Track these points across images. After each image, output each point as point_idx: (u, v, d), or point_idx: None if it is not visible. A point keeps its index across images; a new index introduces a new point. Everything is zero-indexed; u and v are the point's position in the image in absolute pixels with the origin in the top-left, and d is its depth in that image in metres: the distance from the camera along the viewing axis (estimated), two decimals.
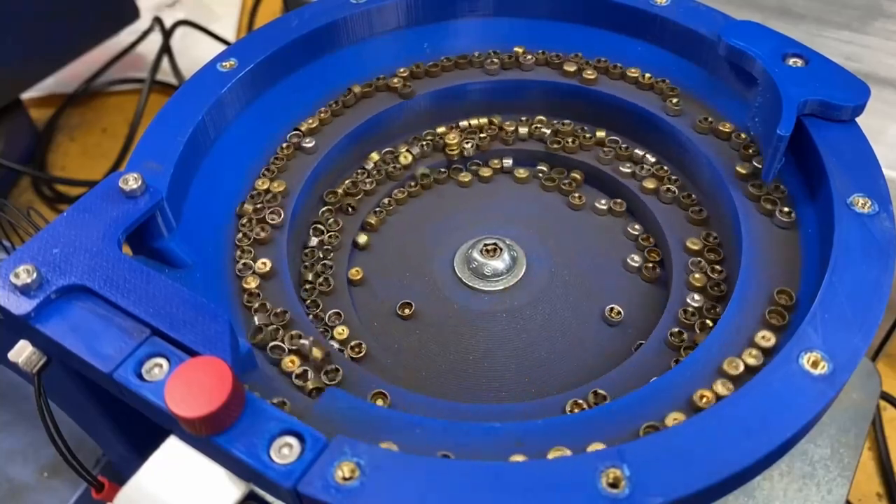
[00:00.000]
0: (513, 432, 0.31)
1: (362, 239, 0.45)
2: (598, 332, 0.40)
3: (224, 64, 0.44)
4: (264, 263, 0.39)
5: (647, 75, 0.46)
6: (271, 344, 0.36)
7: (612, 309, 0.40)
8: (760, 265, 0.37)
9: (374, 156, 0.48)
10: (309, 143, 0.45)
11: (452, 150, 0.48)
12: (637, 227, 0.45)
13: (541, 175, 0.48)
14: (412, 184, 0.48)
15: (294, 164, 0.45)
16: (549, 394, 0.37)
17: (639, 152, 0.46)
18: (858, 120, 0.39)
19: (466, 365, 0.39)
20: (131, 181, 0.36)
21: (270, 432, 0.28)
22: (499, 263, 0.42)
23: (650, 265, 0.42)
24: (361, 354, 0.38)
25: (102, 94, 1.00)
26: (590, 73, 0.47)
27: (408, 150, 0.48)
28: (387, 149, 0.48)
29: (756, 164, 0.41)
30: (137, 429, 0.40)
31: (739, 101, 0.44)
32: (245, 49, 0.45)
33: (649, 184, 0.45)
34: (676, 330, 0.37)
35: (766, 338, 0.33)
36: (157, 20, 1.00)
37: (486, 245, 0.43)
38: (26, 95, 0.91)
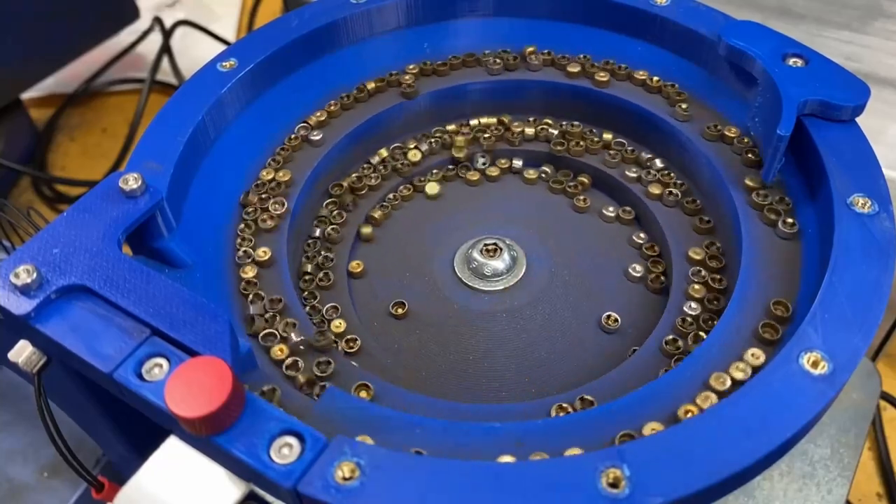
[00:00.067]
0: (513, 432, 0.31)
1: (365, 230, 0.45)
2: (596, 336, 0.40)
3: (224, 64, 0.44)
4: (264, 252, 0.40)
5: (655, 78, 0.46)
6: (264, 332, 0.36)
7: (608, 316, 0.40)
8: (758, 277, 0.36)
9: (383, 151, 0.48)
10: (316, 136, 0.45)
11: (459, 150, 0.48)
12: (642, 235, 0.44)
13: (544, 175, 0.48)
14: (420, 179, 0.48)
15: (300, 156, 0.45)
16: (548, 394, 0.37)
17: (645, 156, 0.46)
18: (858, 120, 0.39)
19: (466, 365, 0.39)
20: (131, 181, 0.36)
21: (270, 432, 0.28)
22: (499, 263, 0.42)
23: (654, 275, 0.42)
24: (355, 349, 0.38)
25: (102, 94, 1.00)
26: (602, 76, 0.47)
27: (416, 147, 0.48)
28: (395, 144, 0.48)
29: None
30: (137, 429, 0.40)
31: (739, 101, 0.44)
32: (245, 49, 0.45)
33: (654, 189, 0.44)
34: (671, 338, 0.37)
35: (756, 355, 0.33)
36: (157, 20, 1.00)
37: (486, 245, 0.43)
38: (26, 95, 0.91)
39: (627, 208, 0.45)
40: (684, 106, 0.45)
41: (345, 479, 0.27)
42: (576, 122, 0.48)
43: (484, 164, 0.48)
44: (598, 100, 0.47)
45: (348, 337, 0.39)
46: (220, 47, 0.95)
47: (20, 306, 0.31)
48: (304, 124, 0.46)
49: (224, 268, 0.39)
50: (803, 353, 0.30)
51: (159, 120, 0.41)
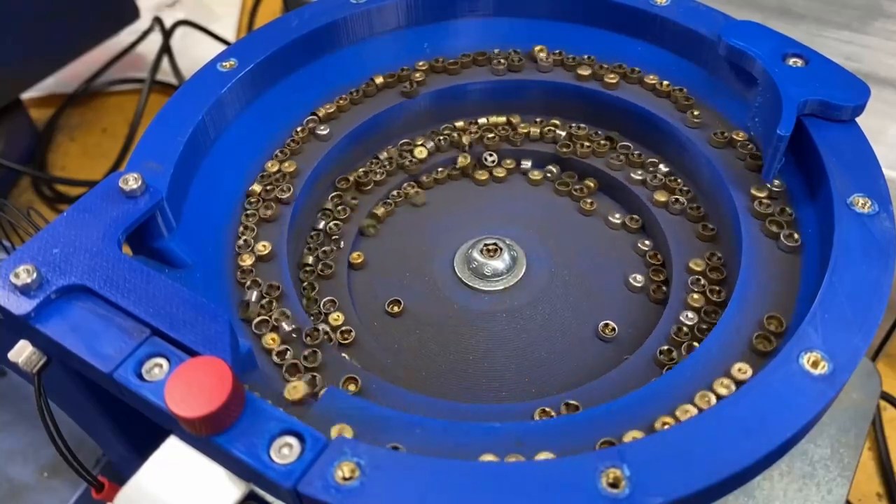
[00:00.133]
0: (513, 432, 0.31)
1: (368, 226, 0.45)
2: (592, 344, 0.40)
3: (224, 64, 0.44)
4: (264, 246, 0.40)
5: (665, 83, 0.46)
6: (257, 319, 0.37)
7: (606, 325, 0.40)
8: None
9: (391, 147, 0.48)
10: (323, 131, 0.46)
11: (465, 160, 0.48)
12: (647, 242, 0.44)
13: (549, 176, 0.48)
14: (425, 178, 0.48)
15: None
16: (548, 394, 0.37)
17: (650, 159, 0.46)
18: (858, 120, 0.39)
19: (466, 365, 0.39)
20: (131, 181, 0.36)
21: (270, 432, 0.28)
22: (499, 263, 0.42)
23: (655, 285, 0.41)
24: (349, 341, 0.39)
25: (102, 94, 1.00)
26: (611, 78, 0.46)
27: (423, 145, 0.48)
28: (404, 140, 0.49)
29: (770, 186, 0.40)
30: (137, 429, 0.40)
31: (739, 101, 0.44)
32: (245, 49, 0.45)
33: (660, 196, 0.44)
34: (666, 348, 0.37)
35: (742, 370, 0.32)
36: (157, 20, 1.00)
37: (486, 245, 0.43)
38: (26, 95, 0.91)
39: (635, 216, 0.45)
40: (696, 113, 0.44)
41: (345, 479, 0.27)
42: (582, 125, 0.48)
43: (492, 162, 0.48)
44: (598, 100, 0.47)
45: (343, 329, 0.39)
46: (220, 47, 0.95)
47: (20, 306, 0.31)
48: (313, 117, 0.46)
49: (224, 268, 0.39)
50: (803, 353, 0.30)
51: (159, 120, 0.41)
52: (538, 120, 0.49)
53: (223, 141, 0.44)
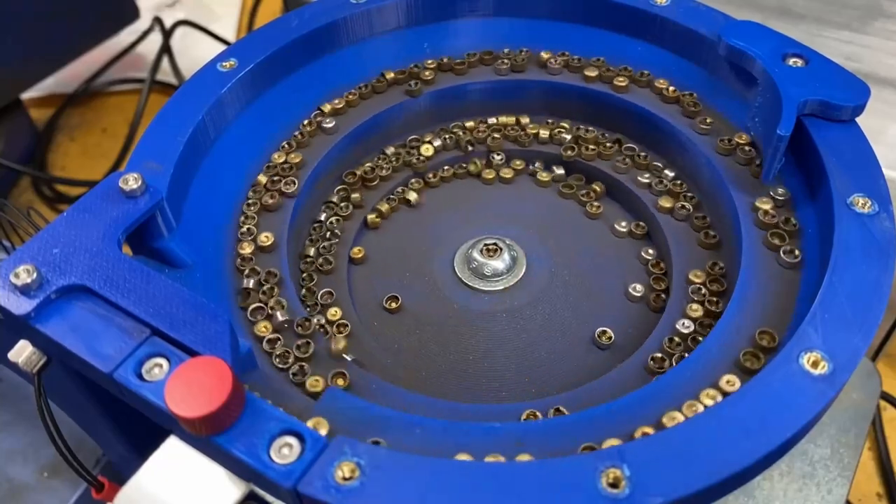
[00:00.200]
0: (513, 432, 0.31)
1: (371, 220, 0.46)
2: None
3: (224, 64, 0.44)
4: (267, 237, 0.40)
5: (672, 88, 0.45)
6: (252, 306, 0.37)
7: (603, 332, 0.39)
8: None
9: (398, 143, 0.49)
10: (330, 124, 0.46)
11: (476, 161, 0.48)
12: (651, 251, 0.43)
13: (549, 175, 0.48)
14: (431, 175, 0.48)
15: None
16: (548, 394, 0.37)
17: (657, 164, 0.46)
18: (858, 120, 0.39)
19: (466, 365, 0.39)
20: (131, 181, 0.36)
21: (270, 432, 0.28)
22: (499, 263, 0.42)
23: (655, 293, 0.41)
24: (345, 335, 0.39)
25: (102, 94, 1.00)
26: (620, 81, 0.46)
27: (430, 142, 0.48)
28: (413, 137, 0.49)
29: (775, 195, 0.40)
30: (137, 429, 0.40)
31: (739, 101, 0.44)
32: (245, 49, 0.45)
33: (666, 202, 0.43)
34: (659, 356, 0.36)
35: (731, 382, 0.32)
36: (157, 20, 1.00)
37: (486, 245, 0.43)
38: (26, 95, 0.91)
39: (641, 223, 0.44)
40: (709, 120, 0.44)
41: (345, 479, 0.27)
42: (591, 128, 0.48)
43: (501, 160, 0.48)
44: (601, 101, 0.47)
45: (339, 322, 0.39)
46: (220, 47, 0.95)
47: (20, 306, 0.31)
48: (320, 111, 0.47)
49: (224, 268, 0.39)
50: (803, 353, 0.30)
51: (159, 120, 0.41)
52: (549, 121, 0.49)
53: (223, 141, 0.44)
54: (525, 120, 0.49)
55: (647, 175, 0.45)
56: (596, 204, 0.46)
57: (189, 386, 0.27)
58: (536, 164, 0.48)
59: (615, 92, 0.47)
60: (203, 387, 0.27)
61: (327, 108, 0.47)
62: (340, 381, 0.35)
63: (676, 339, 0.37)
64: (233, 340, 0.31)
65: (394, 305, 0.42)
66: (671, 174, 0.45)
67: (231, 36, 1.03)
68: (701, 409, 0.31)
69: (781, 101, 0.38)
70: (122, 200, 0.36)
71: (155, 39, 0.99)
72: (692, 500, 0.27)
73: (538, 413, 0.33)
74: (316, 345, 0.36)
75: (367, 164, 0.47)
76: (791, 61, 0.40)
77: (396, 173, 0.48)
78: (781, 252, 0.37)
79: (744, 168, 0.41)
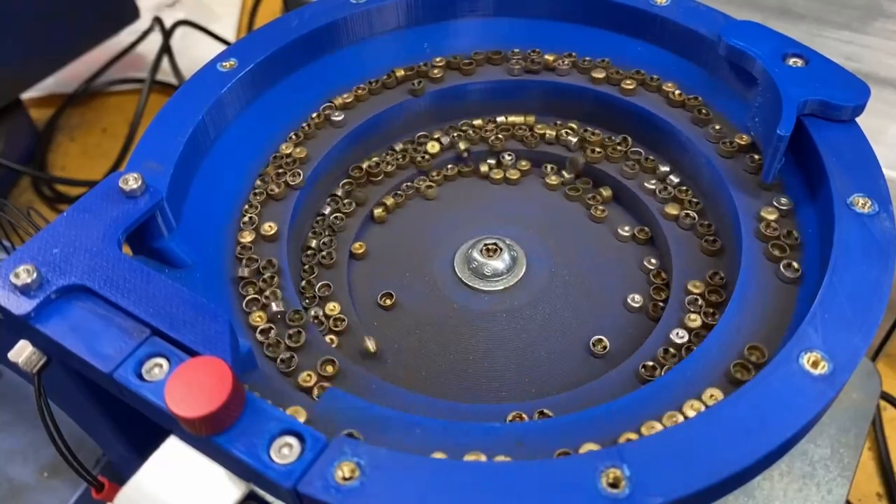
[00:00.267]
0: (513, 432, 0.31)
1: (377, 214, 0.46)
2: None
3: (224, 64, 0.44)
4: (270, 227, 0.41)
5: (678, 91, 0.45)
6: (248, 297, 0.37)
7: (599, 341, 0.39)
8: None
9: (406, 140, 0.49)
10: (338, 118, 0.46)
11: (491, 169, 0.48)
12: (653, 261, 0.43)
13: (559, 179, 0.47)
14: (435, 173, 0.48)
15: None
16: (549, 394, 0.37)
17: (664, 169, 0.45)
18: (858, 120, 0.39)
19: (466, 365, 0.39)
20: (131, 181, 0.36)
21: (270, 432, 0.28)
22: (499, 263, 0.42)
23: (654, 303, 0.41)
24: (341, 329, 0.39)
25: (102, 94, 1.00)
26: (628, 84, 0.46)
27: (438, 139, 0.48)
28: (421, 133, 0.49)
29: (778, 205, 0.39)
30: (137, 429, 0.40)
31: (739, 101, 0.44)
32: (245, 49, 0.45)
33: (671, 209, 0.43)
34: (651, 364, 0.36)
35: (714, 396, 0.32)
36: (157, 20, 1.00)
37: (486, 245, 0.43)
38: (26, 95, 0.91)
39: (644, 228, 0.44)
40: (717, 127, 0.43)
41: (345, 479, 0.27)
42: (597, 131, 0.47)
43: (510, 160, 0.48)
44: (600, 101, 0.47)
45: (336, 317, 0.39)
46: (220, 47, 0.95)
47: (20, 306, 0.31)
48: (330, 104, 0.47)
49: (224, 268, 0.39)
50: (803, 353, 0.30)
51: (159, 120, 0.41)
52: (557, 122, 0.49)
53: (223, 141, 0.44)
54: (531, 120, 0.49)
55: (653, 181, 0.45)
56: (601, 208, 0.45)
57: (189, 386, 0.27)
58: (547, 167, 0.48)
59: (621, 94, 0.46)
60: (203, 387, 0.27)
61: (338, 101, 0.47)
62: (330, 369, 0.35)
63: (671, 349, 0.36)
64: (233, 340, 0.31)
65: (388, 302, 0.42)
66: (676, 179, 0.45)
67: (231, 36, 1.03)
68: (681, 419, 0.31)
69: (781, 101, 0.38)
70: (122, 200, 0.36)
71: (155, 39, 1.00)
72: (692, 500, 0.27)
73: (524, 415, 0.33)
74: (307, 335, 0.36)
75: (374, 159, 0.48)
76: (791, 61, 0.40)
77: (402, 170, 0.48)
78: (781, 266, 0.36)
79: (752, 176, 0.41)
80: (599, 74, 0.47)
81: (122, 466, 0.46)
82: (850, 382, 0.32)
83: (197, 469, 0.29)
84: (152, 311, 0.31)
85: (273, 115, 0.46)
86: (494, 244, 0.43)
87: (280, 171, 0.44)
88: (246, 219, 0.41)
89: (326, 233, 0.44)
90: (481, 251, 0.43)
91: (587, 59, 0.48)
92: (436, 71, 0.48)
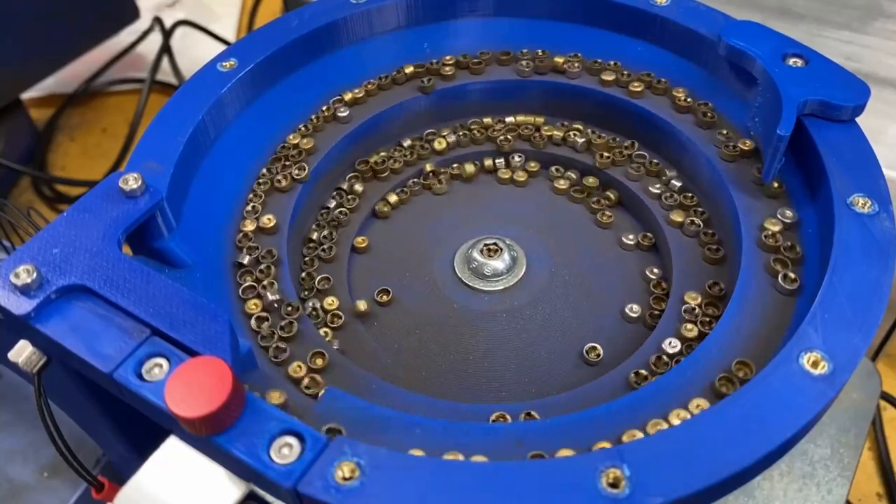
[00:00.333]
0: (513, 432, 0.31)
1: (381, 210, 0.46)
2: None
3: (224, 64, 0.44)
4: (269, 219, 0.41)
5: (689, 98, 0.45)
6: (245, 284, 0.38)
7: (592, 349, 0.39)
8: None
9: (414, 136, 0.49)
10: (343, 112, 0.47)
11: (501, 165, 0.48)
12: (656, 271, 0.42)
13: (567, 183, 0.47)
14: (443, 170, 0.48)
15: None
16: (548, 394, 0.37)
17: (671, 173, 0.45)
18: (858, 120, 0.39)
19: (466, 365, 0.39)
20: (131, 181, 0.36)
21: (270, 432, 0.28)
22: (499, 263, 0.42)
23: (652, 312, 0.40)
24: (338, 325, 0.39)
25: (102, 94, 1.00)
26: (636, 86, 0.46)
27: (444, 137, 0.48)
28: (429, 131, 0.49)
29: (782, 217, 0.39)
30: (137, 429, 0.40)
31: (739, 101, 0.44)
32: (245, 49, 0.45)
33: (677, 216, 0.42)
34: (643, 372, 0.35)
35: (700, 405, 0.31)
36: (157, 20, 1.00)
37: (486, 245, 0.43)
38: (26, 95, 0.91)
39: (648, 234, 0.44)
40: (725, 132, 0.43)
41: (345, 479, 0.27)
42: (603, 134, 0.47)
43: (520, 160, 0.48)
44: (602, 101, 0.47)
45: (334, 312, 0.40)
46: (220, 47, 0.95)
47: (20, 306, 0.31)
48: (339, 98, 0.47)
49: (224, 268, 0.39)
50: (803, 353, 0.30)
51: (159, 120, 0.41)
52: (564, 123, 0.48)
53: (223, 141, 0.44)
54: (541, 120, 0.49)
55: (657, 185, 0.44)
56: (608, 213, 0.45)
57: (189, 386, 0.27)
58: (554, 170, 0.48)
59: (628, 96, 0.46)
60: (203, 387, 0.27)
61: (348, 96, 0.47)
62: (319, 361, 0.35)
63: (664, 357, 0.36)
64: (233, 340, 0.31)
65: (385, 299, 0.42)
66: (679, 184, 0.44)
67: (231, 36, 1.03)
68: (665, 426, 0.30)
69: (781, 101, 0.38)
70: (122, 200, 0.36)
71: (155, 39, 0.99)
72: (692, 500, 0.27)
73: (508, 416, 0.33)
74: (300, 325, 0.37)
75: (382, 154, 0.48)
76: (791, 61, 0.40)
77: (409, 167, 0.48)
78: (780, 278, 0.36)
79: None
80: (609, 77, 0.47)
81: (122, 466, 0.46)
82: (850, 382, 0.32)
83: (197, 469, 0.29)
84: (152, 311, 0.31)
85: (273, 115, 0.46)
86: (494, 244, 0.43)
87: (287, 163, 0.44)
88: (249, 207, 0.42)
89: (329, 226, 0.45)
90: (481, 251, 0.43)
91: (598, 60, 0.48)
92: (447, 69, 0.48)
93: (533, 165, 0.48)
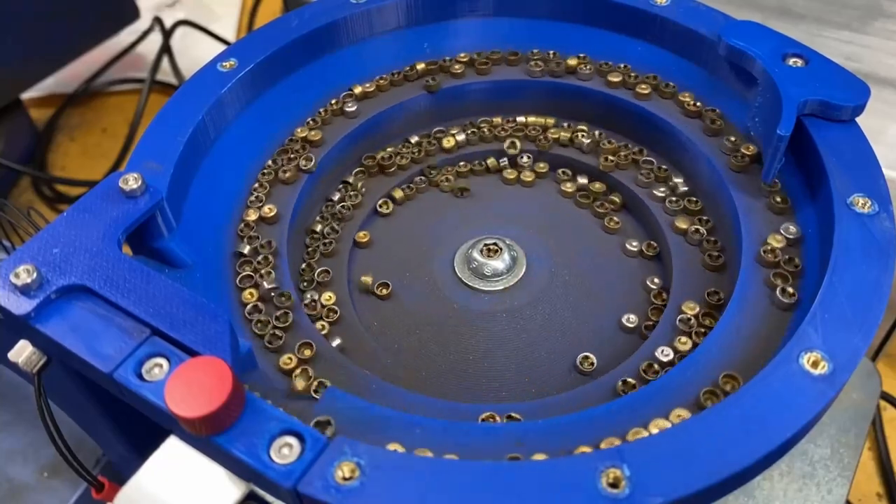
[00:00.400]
0: (513, 432, 0.31)
1: (382, 208, 0.46)
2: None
3: (224, 64, 0.44)
4: (270, 209, 0.42)
5: (698, 103, 0.44)
6: (242, 273, 0.38)
7: (585, 358, 0.38)
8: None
9: (422, 133, 0.49)
10: (351, 108, 0.47)
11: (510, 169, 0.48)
12: (657, 281, 0.42)
13: (573, 186, 0.47)
14: (449, 168, 0.48)
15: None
16: (548, 394, 0.37)
17: (676, 178, 0.44)
18: (858, 120, 0.39)
19: (466, 365, 0.39)
20: (131, 181, 0.36)
21: (270, 432, 0.28)
22: (499, 263, 0.42)
23: (650, 322, 0.40)
24: (334, 319, 0.40)
25: (102, 94, 1.00)
26: (643, 88, 0.45)
27: (453, 135, 0.48)
28: (438, 128, 0.49)
29: (786, 233, 0.38)
30: (137, 429, 0.40)
31: (739, 101, 0.44)
32: (245, 49, 0.45)
33: (682, 223, 0.42)
34: (631, 381, 0.35)
35: (680, 415, 0.31)
36: (157, 20, 1.00)
37: (486, 245, 0.43)
38: (26, 95, 0.91)
39: (653, 243, 0.43)
40: (733, 139, 0.42)
41: (345, 479, 0.27)
42: (612, 139, 0.47)
43: (528, 161, 0.48)
44: (606, 103, 0.47)
45: (330, 307, 0.40)
46: (220, 47, 0.95)
47: (20, 306, 0.31)
48: (349, 92, 0.48)
49: (224, 268, 0.39)
50: (803, 353, 0.30)
51: (159, 120, 0.41)
52: (566, 125, 0.48)
53: (223, 141, 0.44)
54: (551, 121, 0.49)
55: (663, 189, 0.44)
56: (616, 219, 0.45)
57: (189, 386, 0.27)
58: (563, 172, 0.48)
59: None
60: (203, 387, 0.27)
61: (357, 90, 0.48)
62: (308, 352, 0.36)
63: (656, 366, 0.36)
64: (233, 340, 0.31)
65: (385, 292, 0.42)
66: (685, 189, 0.44)
67: (231, 36, 1.03)
68: (619, 442, 0.30)
69: (781, 101, 0.38)
70: (122, 200, 0.36)
71: (155, 39, 0.99)
72: (692, 500, 0.27)
73: (497, 416, 0.33)
74: (294, 316, 0.37)
75: (389, 150, 0.48)
76: (791, 61, 0.40)
77: (415, 163, 0.48)
78: (777, 292, 0.35)
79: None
80: (616, 78, 0.47)
81: (122, 466, 0.46)
82: (850, 382, 0.32)
83: (197, 469, 0.29)
84: (152, 311, 0.31)
85: (273, 115, 0.46)
86: (494, 244, 0.43)
87: (292, 155, 0.44)
88: (253, 197, 0.42)
89: (332, 220, 0.45)
90: (481, 251, 0.43)
91: (608, 63, 0.47)
92: (457, 67, 0.48)
93: (542, 166, 0.48)
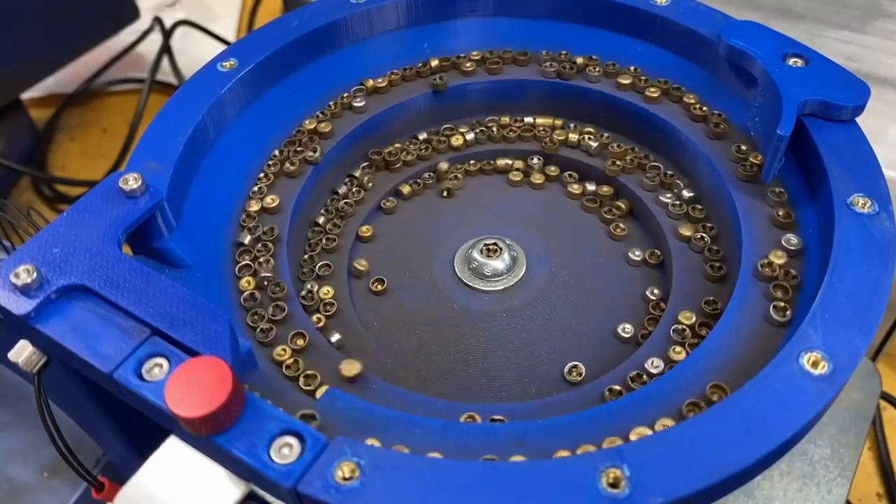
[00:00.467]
0: (513, 432, 0.31)
1: (386, 205, 0.47)
2: (592, 343, 0.39)
3: (224, 64, 0.44)
4: (273, 199, 0.42)
5: (704, 107, 0.44)
6: (241, 263, 0.39)
7: (574, 367, 0.38)
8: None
9: (431, 130, 0.49)
10: (360, 103, 0.47)
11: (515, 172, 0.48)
12: (656, 292, 0.41)
13: (580, 188, 0.47)
14: (455, 167, 0.48)
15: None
16: (548, 394, 0.37)
17: (680, 182, 0.44)
18: (858, 120, 0.39)
19: (466, 365, 0.39)
20: (131, 181, 0.36)
21: (270, 432, 0.28)
22: (499, 263, 0.42)
23: (646, 332, 0.39)
24: (331, 313, 0.40)
25: (102, 94, 1.00)
26: (652, 91, 0.45)
27: (462, 134, 0.49)
28: (447, 126, 0.49)
29: (787, 244, 0.37)
30: (137, 429, 0.40)
31: (739, 101, 0.44)
32: (245, 49, 0.45)
33: (686, 230, 0.42)
34: (617, 388, 0.35)
35: (665, 424, 0.31)
36: (157, 20, 1.00)
37: (486, 245, 0.43)
38: (26, 95, 0.91)
39: (656, 251, 0.43)
40: (743, 147, 0.42)
41: (345, 479, 0.27)
42: (619, 144, 0.47)
43: (539, 162, 0.48)
44: (610, 105, 0.47)
45: (328, 301, 0.40)
46: (220, 47, 0.95)
47: (20, 306, 0.31)
48: (361, 85, 0.48)
49: (224, 267, 0.39)
50: (803, 353, 0.30)
51: (159, 120, 0.41)
52: (573, 125, 0.48)
53: (223, 141, 0.44)
54: (559, 121, 0.49)
55: (668, 195, 0.44)
56: (622, 226, 0.44)
57: (189, 386, 0.27)
58: (569, 175, 0.47)
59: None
60: (203, 387, 0.27)
61: (369, 83, 0.48)
62: (301, 342, 0.36)
63: (645, 376, 0.35)
64: (233, 340, 0.31)
65: (379, 288, 0.42)
66: (689, 195, 0.44)
67: (231, 36, 1.03)
68: (620, 443, 0.30)
69: (781, 101, 0.38)
70: (122, 200, 0.36)
71: (155, 39, 0.99)
72: (692, 500, 0.27)
73: (477, 416, 0.33)
74: (289, 307, 0.37)
75: (397, 146, 0.48)
76: (791, 61, 0.40)
77: (422, 160, 0.48)
78: (771, 309, 0.35)
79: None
80: (626, 80, 0.46)
81: (122, 466, 0.46)
82: (850, 382, 0.32)
83: (197, 469, 0.29)
84: (152, 311, 0.31)
85: (273, 115, 0.46)
86: (494, 244, 0.43)
87: (299, 148, 0.45)
88: (256, 188, 0.43)
89: (336, 215, 0.45)
90: (481, 251, 0.43)
91: (614, 63, 0.47)
92: (468, 65, 0.48)
93: (553, 170, 0.47)
